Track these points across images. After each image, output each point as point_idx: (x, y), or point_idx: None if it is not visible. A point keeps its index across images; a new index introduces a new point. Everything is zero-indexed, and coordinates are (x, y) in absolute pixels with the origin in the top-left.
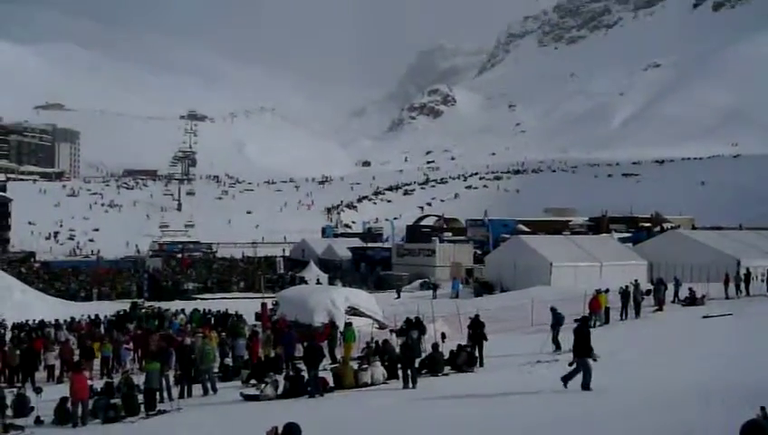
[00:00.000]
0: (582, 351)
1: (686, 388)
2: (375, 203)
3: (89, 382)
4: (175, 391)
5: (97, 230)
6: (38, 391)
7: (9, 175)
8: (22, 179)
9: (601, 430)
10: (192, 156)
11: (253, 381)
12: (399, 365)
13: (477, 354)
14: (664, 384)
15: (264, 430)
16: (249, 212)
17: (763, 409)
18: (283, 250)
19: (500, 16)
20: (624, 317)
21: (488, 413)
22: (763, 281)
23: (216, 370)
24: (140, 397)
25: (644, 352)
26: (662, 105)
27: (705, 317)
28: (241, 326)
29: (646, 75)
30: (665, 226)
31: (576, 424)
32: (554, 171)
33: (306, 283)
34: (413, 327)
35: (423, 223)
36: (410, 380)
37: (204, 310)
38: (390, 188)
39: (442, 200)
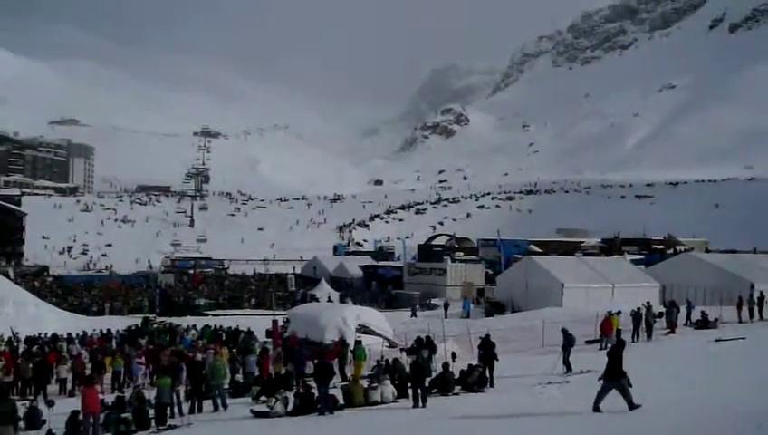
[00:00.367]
0: (615, 374)
1: (698, 411)
2: (387, 222)
3: (100, 396)
4: (185, 407)
5: (110, 245)
6: (50, 404)
7: (24, 189)
8: (36, 194)
9: None
10: (205, 172)
11: (263, 398)
12: (409, 384)
13: (488, 375)
14: (676, 408)
15: None
16: (261, 229)
17: None
18: (294, 268)
19: (514, 36)
20: (636, 340)
21: (498, 434)
22: None
23: (226, 386)
24: (151, 412)
25: (656, 375)
26: (677, 126)
27: (717, 341)
28: (252, 343)
29: (660, 96)
30: (678, 248)
31: None
32: (567, 192)
33: (317, 300)
34: (423, 346)
35: (435, 242)
36: (420, 399)
37: (215, 326)
38: (402, 207)
39: (454, 220)
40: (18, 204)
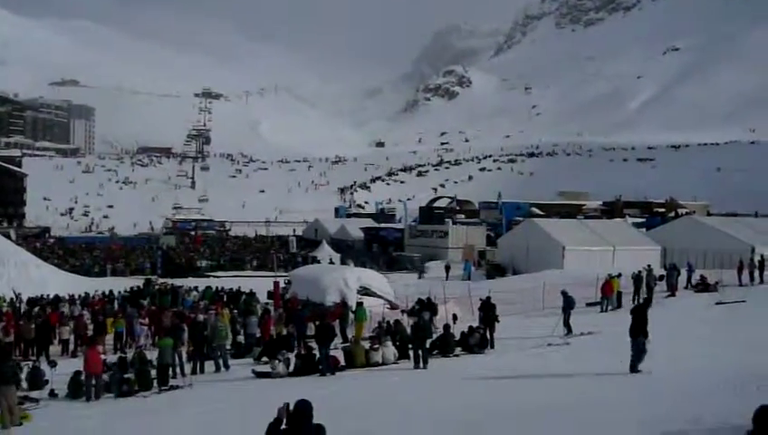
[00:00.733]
0: (638, 331)
1: (697, 373)
2: (388, 184)
3: (102, 357)
4: (187, 368)
5: (111, 207)
6: (53, 364)
7: (24, 151)
8: (37, 155)
9: (615, 414)
10: (206, 134)
11: (265, 359)
12: (411, 345)
13: (489, 336)
14: (677, 371)
15: (275, 407)
16: (262, 191)
17: None
18: (294, 230)
19: None
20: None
21: (498, 395)
22: None
23: (228, 347)
24: (153, 372)
25: (657, 337)
26: (680, 89)
27: (718, 304)
28: (253, 304)
29: (664, 59)
30: (679, 211)
31: (589, 408)
32: (569, 155)
33: (319, 262)
34: (425, 308)
35: (436, 205)
36: (421, 360)
37: (216, 287)
38: (404, 169)
39: (455, 182)
40: (19, 165)
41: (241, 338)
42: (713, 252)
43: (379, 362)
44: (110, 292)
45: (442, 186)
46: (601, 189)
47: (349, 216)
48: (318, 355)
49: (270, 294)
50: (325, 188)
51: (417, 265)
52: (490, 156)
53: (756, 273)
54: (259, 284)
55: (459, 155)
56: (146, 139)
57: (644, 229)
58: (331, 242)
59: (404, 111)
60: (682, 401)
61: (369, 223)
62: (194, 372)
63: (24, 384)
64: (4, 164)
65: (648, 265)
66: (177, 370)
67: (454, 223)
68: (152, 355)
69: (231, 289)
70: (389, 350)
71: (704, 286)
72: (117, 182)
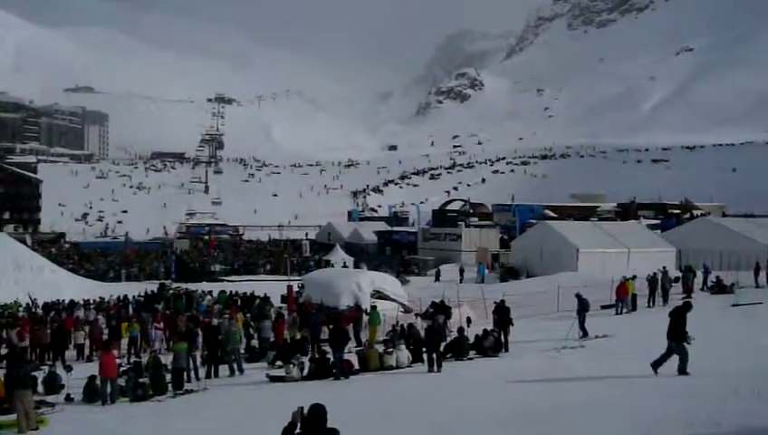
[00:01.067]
0: (678, 335)
1: (714, 376)
2: (401, 187)
3: (117, 361)
4: (202, 372)
5: (126, 212)
6: (68, 369)
7: (40, 157)
8: (52, 161)
9: (631, 417)
10: (219, 139)
11: (279, 363)
12: (424, 349)
13: (503, 339)
14: (694, 371)
15: (289, 411)
16: (275, 195)
17: None
18: (306, 234)
19: None
20: (651, 304)
21: (513, 398)
22: None
23: (242, 351)
24: (168, 377)
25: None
26: (694, 90)
27: (734, 305)
28: (267, 308)
29: (677, 59)
30: (694, 212)
31: (604, 410)
32: (582, 157)
33: (332, 266)
34: (438, 311)
35: (449, 207)
36: (435, 363)
37: (230, 292)
38: (417, 173)
39: (468, 185)
40: (34, 171)
41: (255, 342)
42: (728, 253)
43: (393, 366)
44: (125, 296)
45: (455, 189)
46: (615, 191)
47: (362, 219)
48: (332, 359)
49: (284, 299)
50: (338, 191)
51: (430, 268)
52: (503, 158)
53: None
54: (273, 288)
55: (472, 158)
56: (159, 144)
57: (659, 231)
58: (345, 246)
59: (416, 115)
60: (700, 404)
61: (383, 226)
62: (208, 376)
63: (41, 389)
64: (19, 170)
65: (664, 268)
66: (192, 374)
67: (467, 226)
68: (167, 359)
69: (245, 293)
70: (403, 353)
71: (720, 288)
72: (131, 187)
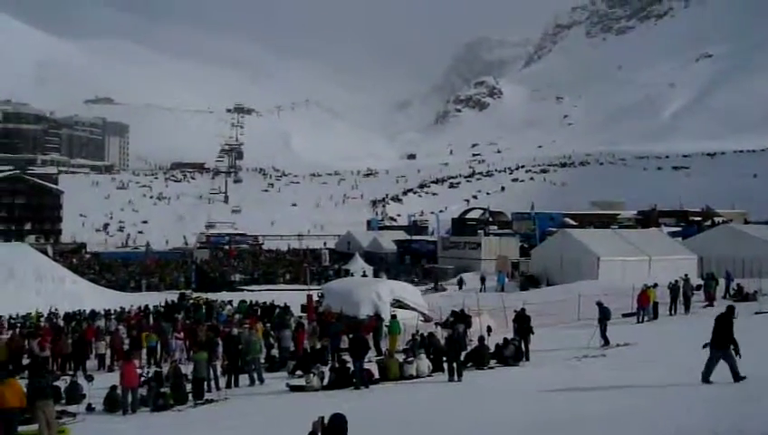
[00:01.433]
0: (724, 341)
1: (738, 384)
2: (420, 196)
3: (138, 371)
4: (222, 381)
5: (146, 222)
6: (89, 378)
7: (60, 168)
8: (73, 172)
9: (653, 426)
10: (239, 149)
11: (299, 373)
12: (445, 358)
13: (523, 348)
14: (716, 379)
15: (309, 421)
16: (294, 205)
17: None
18: (324, 243)
19: (547, 7)
20: (673, 313)
21: (533, 407)
22: None
23: (262, 360)
24: (188, 386)
25: (695, 347)
26: (714, 96)
27: (757, 313)
28: (287, 318)
29: (697, 66)
30: (716, 220)
31: (626, 419)
32: (602, 164)
33: (352, 275)
34: (459, 320)
35: (469, 216)
36: (455, 372)
37: (250, 301)
38: (436, 181)
39: (488, 193)
40: (55, 182)
41: (275, 352)
42: (751, 260)
43: (414, 375)
44: (146, 306)
45: (474, 197)
46: (635, 199)
47: (381, 228)
48: (352, 368)
49: (303, 308)
50: (357, 200)
51: (450, 277)
52: (522, 166)
53: None
54: (292, 297)
55: (491, 166)
56: (179, 154)
57: (680, 239)
58: (364, 255)
59: (435, 123)
60: (723, 412)
61: (402, 235)
62: (228, 385)
63: (62, 399)
64: (41, 181)
65: (685, 275)
66: (212, 383)
67: (486, 234)
68: (187, 369)
69: (265, 303)
70: (423, 362)
71: (742, 296)
72: (151, 198)
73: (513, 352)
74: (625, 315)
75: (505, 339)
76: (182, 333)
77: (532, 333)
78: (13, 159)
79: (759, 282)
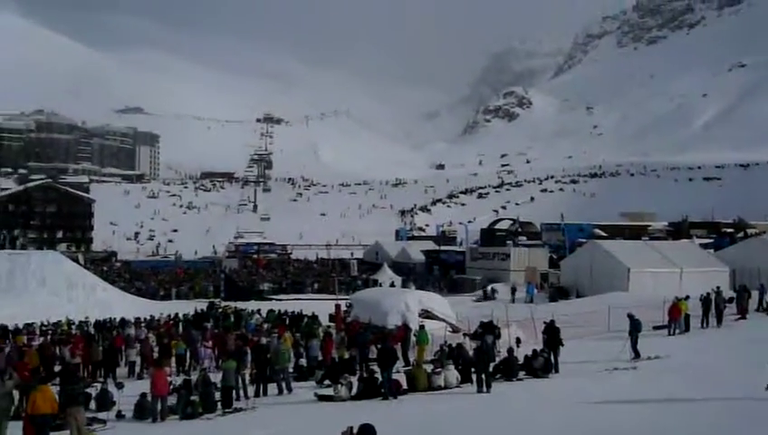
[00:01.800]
0: None
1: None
2: (449, 206)
3: (168, 379)
4: (251, 390)
5: (176, 231)
6: (120, 386)
7: (92, 177)
8: (104, 181)
9: None
10: (268, 158)
11: (327, 382)
12: (473, 369)
13: (553, 360)
14: (748, 395)
15: (338, 431)
16: (323, 214)
17: None
18: (351, 253)
19: (577, 17)
20: (705, 325)
21: (564, 419)
22: None
23: (290, 370)
24: (217, 395)
25: (728, 361)
26: (747, 107)
27: None
28: (315, 327)
29: (730, 76)
30: (748, 231)
31: (657, 433)
32: (632, 175)
33: (380, 285)
34: (487, 331)
35: (497, 227)
36: (484, 384)
37: (279, 310)
38: (465, 192)
39: (517, 204)
40: (87, 191)
41: (303, 361)
42: None
43: (442, 386)
44: (176, 315)
45: (503, 208)
46: (666, 210)
47: (410, 238)
48: (380, 379)
49: (332, 318)
50: (386, 210)
51: (478, 287)
52: (552, 177)
53: None
54: (321, 307)
55: (520, 176)
56: (209, 164)
57: (712, 250)
58: (392, 265)
59: (464, 133)
60: (754, 426)
61: (430, 246)
62: (257, 394)
63: (93, 405)
64: (72, 190)
65: (717, 287)
66: (241, 392)
67: (515, 245)
68: (216, 378)
69: (293, 312)
70: (452, 373)
71: None
72: (180, 207)
73: (542, 364)
74: (656, 328)
75: (534, 350)
76: (211, 342)
77: (562, 345)
78: (45, 167)
79: None
